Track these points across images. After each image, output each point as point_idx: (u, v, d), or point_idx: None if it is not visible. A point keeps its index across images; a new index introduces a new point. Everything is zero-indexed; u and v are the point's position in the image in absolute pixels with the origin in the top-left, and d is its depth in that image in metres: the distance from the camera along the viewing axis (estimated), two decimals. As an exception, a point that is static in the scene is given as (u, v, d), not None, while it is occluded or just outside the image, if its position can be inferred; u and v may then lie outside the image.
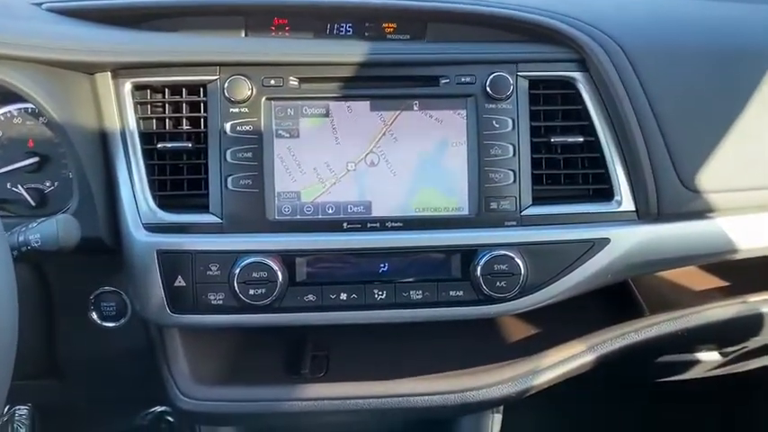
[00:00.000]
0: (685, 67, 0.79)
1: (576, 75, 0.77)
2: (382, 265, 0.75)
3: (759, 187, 0.78)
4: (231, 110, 0.74)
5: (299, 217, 0.75)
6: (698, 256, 0.81)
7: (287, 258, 0.74)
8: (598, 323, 0.83)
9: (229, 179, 0.74)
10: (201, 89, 0.75)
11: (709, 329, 0.86)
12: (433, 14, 0.81)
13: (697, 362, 1.00)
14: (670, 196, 0.76)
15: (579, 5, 0.82)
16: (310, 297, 0.75)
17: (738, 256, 0.82)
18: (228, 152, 0.74)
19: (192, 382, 0.81)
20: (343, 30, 0.83)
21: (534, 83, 0.77)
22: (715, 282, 0.92)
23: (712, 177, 0.77)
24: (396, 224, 0.75)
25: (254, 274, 0.72)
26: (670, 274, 0.85)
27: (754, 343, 0.94)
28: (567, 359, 0.79)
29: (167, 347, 0.82)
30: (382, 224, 0.75)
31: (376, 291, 0.75)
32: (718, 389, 1.16)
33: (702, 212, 0.78)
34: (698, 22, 0.85)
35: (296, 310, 0.75)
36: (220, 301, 0.73)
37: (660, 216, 0.77)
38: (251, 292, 0.72)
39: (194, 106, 0.75)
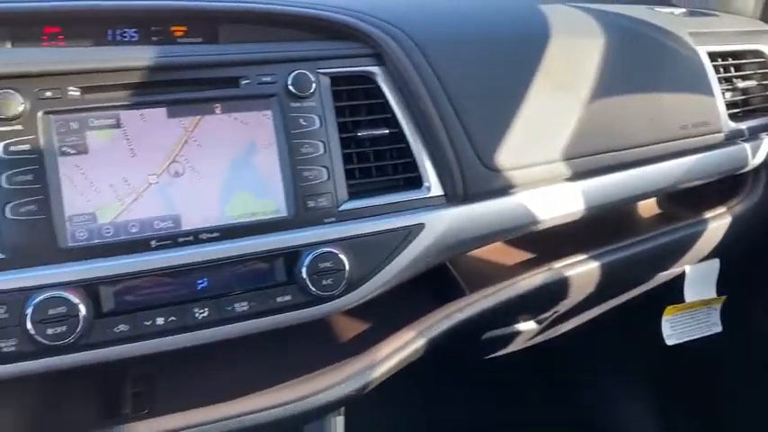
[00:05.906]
0: (474, 56, 0.84)
1: (375, 69, 0.79)
2: (200, 282, 0.70)
3: (549, 161, 0.86)
4: (2, 128, 0.64)
5: (97, 241, 0.67)
6: (506, 230, 0.86)
7: (89, 288, 0.66)
8: (424, 308, 0.85)
9: (8, 207, 0.64)
10: None
11: (523, 299, 0.92)
12: (225, 15, 0.78)
13: (517, 333, 1.07)
14: (473, 178, 0.80)
15: (371, 2, 0.84)
16: (122, 327, 0.67)
17: (540, 227, 0.89)
18: (4, 177, 0.64)
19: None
20: (127, 36, 0.77)
21: (335, 79, 0.77)
22: (524, 254, 1.00)
23: (509, 156, 0.83)
24: (211, 235, 0.70)
25: (51, 311, 0.63)
26: (483, 252, 0.90)
27: (563, 306, 1.03)
28: (399, 348, 0.80)
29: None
30: (196, 237, 0.70)
31: (196, 310, 0.70)
32: (540, 356, 1.26)
33: (505, 189, 0.84)
34: (480, 14, 0.91)
35: (106, 344, 0.67)
36: (13, 348, 0.63)
37: (467, 197, 0.81)
38: (49, 331, 0.63)
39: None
